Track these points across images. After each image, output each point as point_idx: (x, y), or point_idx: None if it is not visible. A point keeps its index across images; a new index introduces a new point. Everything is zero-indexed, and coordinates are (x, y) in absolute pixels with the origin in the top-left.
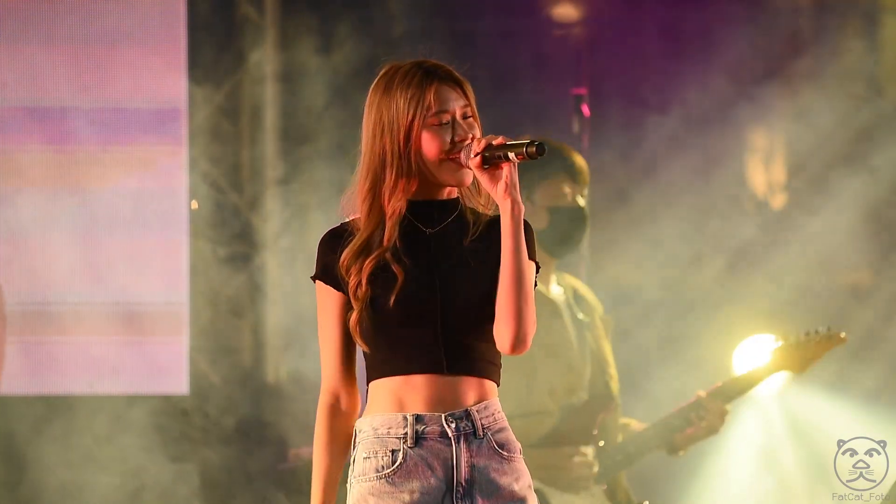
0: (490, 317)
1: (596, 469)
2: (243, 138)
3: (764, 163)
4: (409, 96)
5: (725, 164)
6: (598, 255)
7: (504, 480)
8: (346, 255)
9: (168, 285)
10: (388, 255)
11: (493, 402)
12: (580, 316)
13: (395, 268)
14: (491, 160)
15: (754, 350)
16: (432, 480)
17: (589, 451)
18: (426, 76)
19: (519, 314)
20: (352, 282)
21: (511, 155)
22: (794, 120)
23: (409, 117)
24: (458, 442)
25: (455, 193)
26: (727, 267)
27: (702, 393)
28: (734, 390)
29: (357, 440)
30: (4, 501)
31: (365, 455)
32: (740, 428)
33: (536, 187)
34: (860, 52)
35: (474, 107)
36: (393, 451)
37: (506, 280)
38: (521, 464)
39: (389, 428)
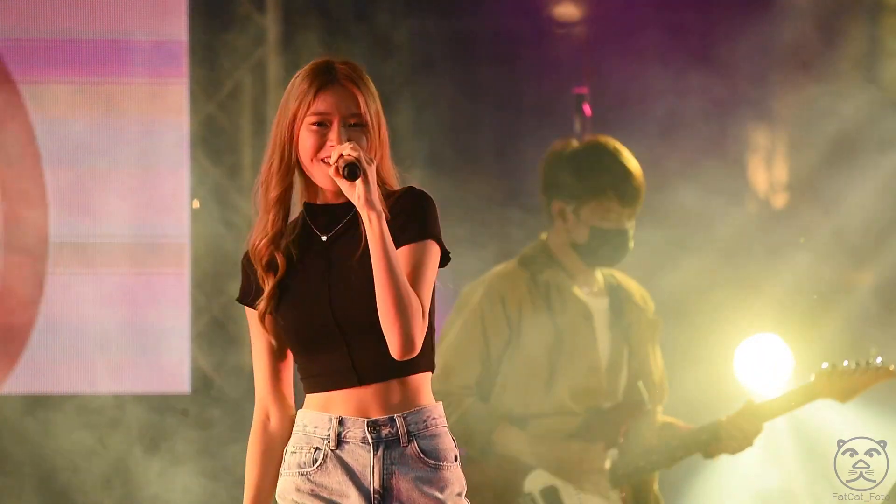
0: None
1: (607, 465)
2: (244, 137)
3: (765, 162)
4: (299, 92)
5: (727, 164)
6: None
7: (427, 489)
8: (251, 246)
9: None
10: (283, 254)
11: (426, 408)
12: (620, 318)
13: (291, 276)
14: (347, 176)
15: (756, 349)
16: (349, 485)
17: (609, 453)
18: (318, 76)
19: (398, 321)
20: (259, 275)
21: (342, 173)
22: (796, 119)
23: (293, 113)
24: (376, 449)
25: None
26: (728, 266)
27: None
28: (769, 411)
29: (293, 431)
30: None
31: (292, 450)
32: None
33: (584, 202)
34: (861, 52)
35: (371, 112)
36: (315, 450)
37: (379, 290)
38: (450, 472)
39: (316, 426)
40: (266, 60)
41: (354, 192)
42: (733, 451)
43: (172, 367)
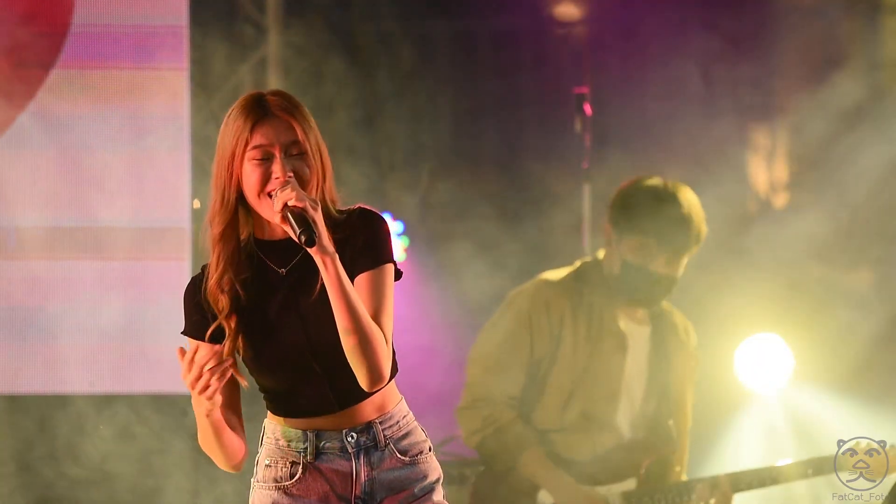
0: None
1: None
2: None
3: (766, 162)
4: (235, 129)
5: (728, 164)
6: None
7: (407, 485)
8: (206, 292)
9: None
10: (240, 292)
11: (396, 409)
12: (660, 351)
13: (255, 317)
14: (286, 220)
15: (757, 349)
16: (331, 495)
17: (627, 485)
18: (252, 110)
19: (364, 356)
20: (221, 313)
21: (291, 231)
22: (797, 119)
23: (231, 150)
24: (357, 457)
25: None
26: (730, 265)
27: (722, 476)
28: (753, 480)
29: (262, 439)
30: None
31: (267, 462)
32: (743, 428)
33: (625, 236)
34: (861, 52)
35: (310, 139)
36: (293, 464)
37: (342, 330)
38: (426, 463)
39: (290, 441)
40: (266, 60)
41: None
42: None
43: (175, 367)
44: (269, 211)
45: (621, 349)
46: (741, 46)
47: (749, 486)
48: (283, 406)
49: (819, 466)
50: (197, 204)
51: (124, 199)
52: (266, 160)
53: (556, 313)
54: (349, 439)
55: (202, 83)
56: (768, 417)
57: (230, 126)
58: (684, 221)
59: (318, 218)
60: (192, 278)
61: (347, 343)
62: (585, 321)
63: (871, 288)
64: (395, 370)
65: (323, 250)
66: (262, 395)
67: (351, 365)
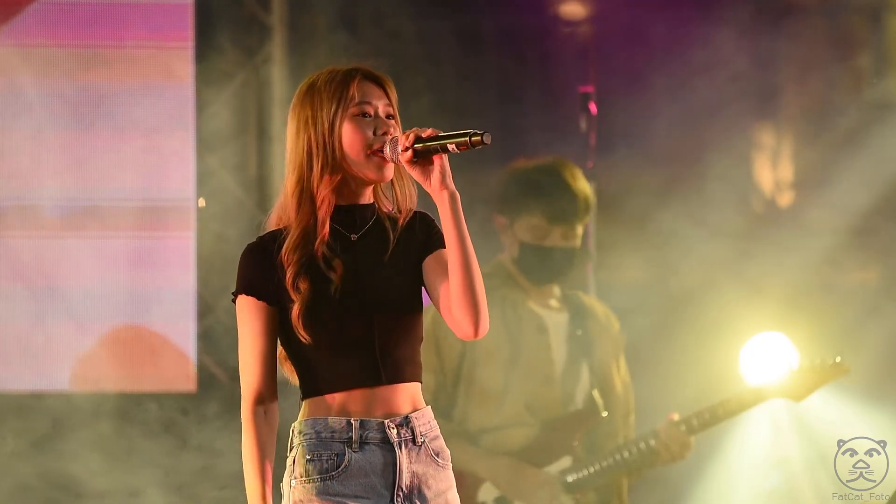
0: (416, 321)
1: (559, 472)
2: (250, 137)
3: (771, 161)
4: (332, 90)
5: (733, 163)
6: (605, 252)
7: (440, 487)
8: (284, 250)
9: (177, 284)
10: (321, 252)
11: (427, 410)
12: (579, 332)
13: (327, 273)
14: (423, 153)
15: (762, 348)
16: (376, 485)
17: (563, 463)
18: (349, 72)
19: (475, 301)
20: (289, 274)
21: (451, 146)
22: (801, 118)
23: (333, 109)
24: (400, 448)
25: (370, 197)
26: (734, 264)
27: (665, 427)
28: (703, 421)
29: (295, 442)
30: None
31: (308, 457)
32: (744, 428)
33: (516, 218)
34: (865, 51)
35: (396, 109)
36: (338, 455)
37: (456, 270)
38: (451, 472)
39: (333, 432)
40: (271, 59)
41: (428, 175)
42: (665, 463)
43: (178, 367)
44: (372, 167)
45: (542, 330)
46: (746, 45)
47: (704, 427)
48: (326, 377)
49: (760, 394)
50: (202, 202)
51: (129, 175)
52: (369, 118)
53: None
54: (391, 429)
55: (207, 81)
56: (772, 416)
57: (323, 88)
58: (568, 190)
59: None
60: (251, 244)
61: (465, 280)
62: (499, 314)
63: (877, 287)
64: (420, 377)
65: (449, 184)
66: (304, 378)
67: (458, 309)
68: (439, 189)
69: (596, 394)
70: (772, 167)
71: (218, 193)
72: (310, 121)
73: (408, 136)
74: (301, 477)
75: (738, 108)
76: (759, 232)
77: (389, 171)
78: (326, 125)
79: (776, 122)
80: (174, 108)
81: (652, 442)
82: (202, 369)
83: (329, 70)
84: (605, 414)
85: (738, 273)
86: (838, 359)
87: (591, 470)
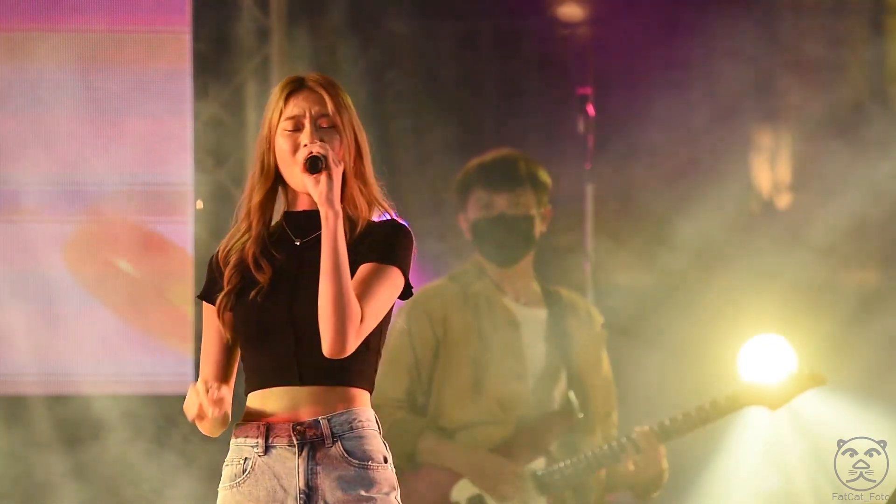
0: None
1: (534, 472)
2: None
3: (769, 162)
4: (272, 101)
5: (731, 164)
6: (603, 254)
7: (351, 488)
8: (222, 248)
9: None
10: (254, 254)
11: (355, 410)
12: (562, 331)
13: (257, 275)
14: (307, 168)
15: (760, 349)
16: (277, 489)
17: (537, 464)
18: (288, 84)
19: (333, 318)
20: (227, 268)
21: (304, 166)
22: (800, 120)
23: (269, 122)
24: (301, 450)
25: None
26: (733, 266)
27: (638, 429)
28: (677, 427)
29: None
30: None
31: (227, 462)
32: (743, 428)
33: (466, 202)
34: (865, 53)
35: (342, 116)
36: (245, 460)
37: (321, 285)
38: (378, 472)
39: (246, 436)
40: (270, 60)
41: (317, 188)
42: (646, 478)
43: (176, 371)
44: (296, 179)
45: (513, 325)
46: (744, 47)
47: (678, 433)
48: (250, 375)
49: (735, 401)
50: (200, 205)
51: (126, 159)
52: (297, 131)
53: (439, 315)
54: (296, 432)
55: (205, 84)
56: (772, 418)
57: (270, 101)
58: (503, 160)
59: (337, 173)
60: (217, 250)
61: (323, 299)
62: (473, 310)
63: (876, 288)
64: (370, 385)
65: (329, 202)
66: (245, 378)
67: (320, 325)
68: (320, 204)
69: (572, 395)
70: (770, 168)
71: (216, 196)
72: (261, 133)
73: (303, 152)
74: (221, 484)
75: (735, 110)
76: (757, 233)
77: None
78: (265, 139)
79: (774, 124)
80: (173, 108)
81: (623, 440)
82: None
83: (281, 83)
84: (581, 416)
85: (737, 275)
86: (805, 367)
87: (563, 465)
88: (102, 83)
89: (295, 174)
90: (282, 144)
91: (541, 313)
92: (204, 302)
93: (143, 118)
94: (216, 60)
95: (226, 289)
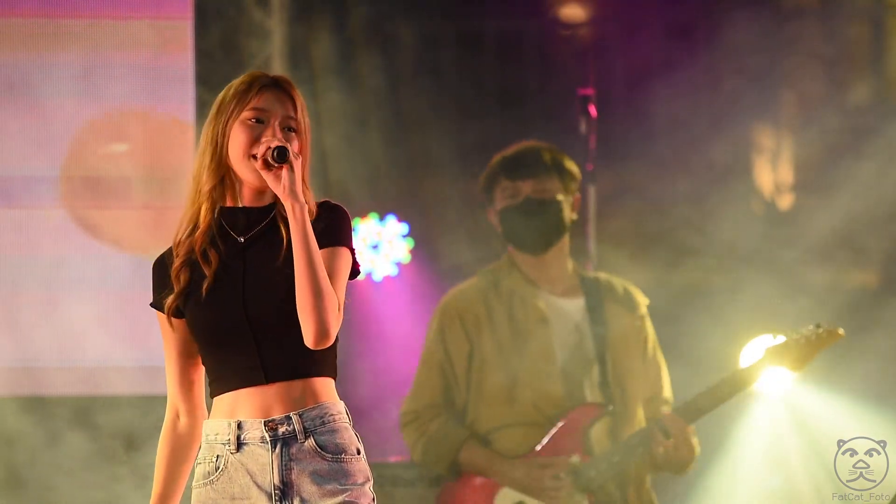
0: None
1: (569, 481)
2: None
3: (771, 163)
4: (238, 92)
5: (732, 165)
6: (604, 254)
7: (325, 482)
8: (174, 244)
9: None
10: (202, 248)
11: (326, 404)
12: (600, 320)
13: (205, 267)
14: (269, 164)
15: (762, 350)
16: (251, 485)
17: (574, 459)
18: (257, 79)
19: (315, 309)
20: (175, 265)
21: (269, 159)
22: (801, 120)
23: (230, 109)
24: (274, 447)
25: (269, 200)
26: (734, 267)
27: (666, 412)
28: (701, 405)
29: (201, 443)
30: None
31: (199, 461)
32: (744, 428)
33: (492, 195)
34: (866, 53)
35: (302, 122)
36: (217, 457)
37: (299, 278)
38: (352, 464)
39: (217, 434)
40: (272, 62)
41: (280, 183)
42: (679, 460)
43: None
44: (249, 172)
45: (543, 323)
46: (746, 47)
47: (700, 412)
48: (215, 379)
49: (753, 372)
50: None
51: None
52: (259, 123)
53: (471, 316)
54: (268, 429)
55: (206, 83)
56: (773, 418)
57: (232, 91)
58: (527, 150)
59: (297, 166)
60: (160, 255)
61: (304, 291)
62: (506, 308)
63: (877, 289)
64: (334, 371)
65: (294, 195)
66: (208, 380)
67: (301, 318)
68: (283, 197)
69: (609, 387)
70: (772, 169)
71: None
72: (213, 119)
73: (262, 148)
74: (195, 482)
75: (737, 111)
76: (758, 234)
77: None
78: (221, 126)
79: (776, 125)
80: (174, 107)
81: (652, 426)
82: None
83: (245, 75)
84: (610, 408)
85: (739, 275)
86: (823, 324)
87: (600, 461)
88: (102, 71)
89: (248, 167)
90: (240, 135)
91: (577, 303)
92: (158, 312)
93: (145, 121)
94: (216, 60)
95: (175, 289)
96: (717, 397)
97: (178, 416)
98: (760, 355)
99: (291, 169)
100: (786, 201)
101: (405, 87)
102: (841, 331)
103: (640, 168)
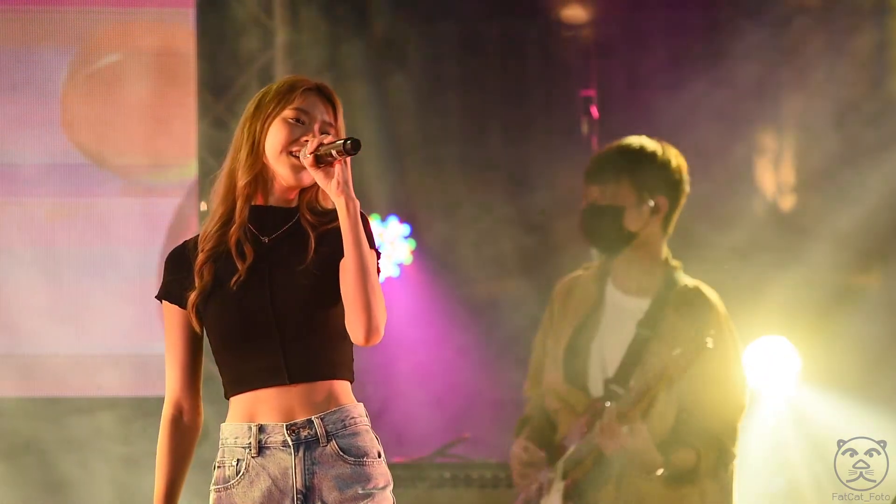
0: (327, 321)
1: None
2: None
3: (773, 164)
4: (280, 92)
5: (734, 166)
6: None
7: (348, 486)
8: (201, 237)
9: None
10: (238, 241)
11: (346, 407)
12: (659, 323)
13: (238, 262)
14: (322, 159)
15: (763, 351)
16: (273, 490)
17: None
18: (301, 82)
19: (367, 305)
20: (199, 259)
21: (334, 152)
22: (804, 121)
23: (272, 108)
24: (297, 451)
25: (295, 202)
26: (737, 268)
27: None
28: (632, 399)
29: (219, 446)
30: None
31: (218, 464)
32: (750, 429)
33: (587, 185)
34: (867, 53)
35: (339, 130)
36: (238, 461)
37: (350, 274)
38: (373, 468)
39: (237, 437)
40: (273, 63)
41: (329, 180)
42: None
43: None
44: (286, 169)
45: (594, 313)
46: (748, 49)
47: (630, 404)
48: (234, 379)
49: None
50: (204, 206)
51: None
52: (299, 124)
53: (557, 301)
54: (290, 433)
55: (208, 85)
56: (775, 419)
57: (273, 91)
58: (607, 152)
59: (348, 164)
60: (176, 247)
61: (357, 288)
62: (576, 296)
63: (879, 290)
64: (351, 375)
65: (349, 190)
66: (223, 380)
67: (352, 315)
68: (336, 194)
69: (607, 383)
70: (774, 170)
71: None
72: (251, 116)
73: (313, 142)
74: (213, 484)
75: (739, 112)
76: (760, 235)
77: (306, 176)
78: (260, 122)
79: (778, 125)
80: (177, 109)
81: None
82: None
83: (287, 77)
84: (608, 404)
85: (741, 276)
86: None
87: (584, 449)
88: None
89: (285, 164)
90: (279, 132)
91: (642, 302)
92: (165, 303)
93: (146, 96)
94: (219, 62)
95: (198, 284)
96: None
97: (180, 413)
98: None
99: (345, 163)
100: (788, 202)
101: (406, 87)
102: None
103: None
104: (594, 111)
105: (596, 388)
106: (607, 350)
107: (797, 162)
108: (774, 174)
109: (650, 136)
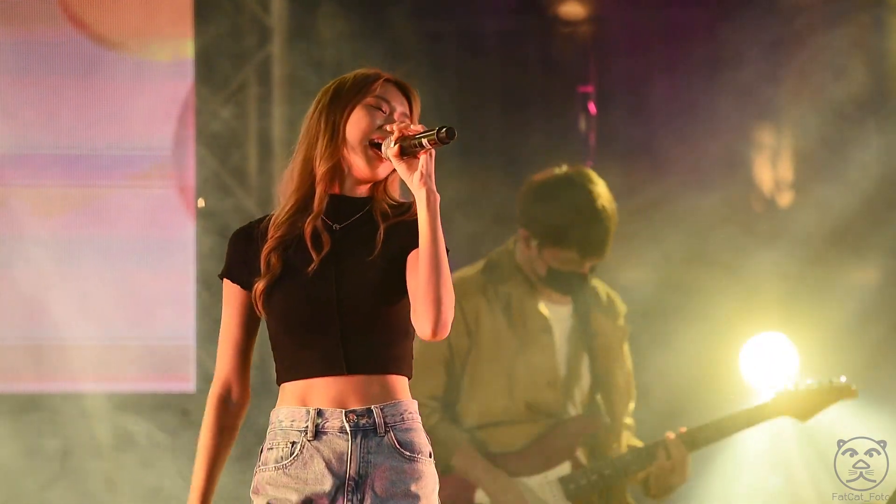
0: (389, 315)
1: (559, 493)
2: (249, 136)
3: (771, 161)
4: (360, 80)
5: (732, 162)
6: None
7: (400, 479)
8: (271, 224)
9: (176, 278)
10: (309, 232)
11: (403, 402)
12: (586, 328)
13: (306, 253)
14: (408, 150)
15: (761, 348)
16: (326, 473)
17: (562, 469)
18: (379, 73)
19: (438, 301)
20: (267, 246)
21: (424, 142)
22: (801, 118)
23: (352, 95)
24: (354, 438)
25: (366, 192)
26: (735, 264)
27: (670, 434)
28: (707, 436)
29: (267, 431)
30: None
31: (269, 446)
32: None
33: (546, 244)
34: (866, 51)
35: (415, 118)
36: (293, 443)
37: (424, 268)
38: (425, 466)
39: (293, 420)
40: (271, 60)
41: (412, 172)
42: (672, 483)
43: (178, 369)
44: (365, 159)
45: (546, 331)
46: (746, 45)
47: (704, 442)
48: (291, 365)
49: (765, 412)
50: (202, 203)
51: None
52: (380, 112)
53: (471, 309)
54: (349, 419)
55: (206, 81)
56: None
57: (352, 78)
58: (596, 219)
59: (433, 152)
60: (243, 227)
61: (431, 281)
62: (504, 310)
63: (876, 287)
64: (410, 371)
65: (432, 182)
66: (277, 365)
67: (422, 308)
68: (418, 186)
69: (599, 398)
70: (772, 167)
71: (217, 193)
72: (329, 104)
73: (397, 133)
74: (261, 465)
75: (737, 108)
76: (758, 231)
77: (382, 169)
78: (340, 109)
79: (776, 122)
80: (175, 110)
81: (654, 447)
82: (202, 368)
83: (364, 68)
84: (607, 420)
85: (738, 273)
86: (844, 379)
87: (591, 473)
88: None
89: (364, 153)
90: (363, 119)
91: (566, 309)
92: (227, 281)
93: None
94: (217, 59)
95: (263, 269)
96: (721, 431)
97: (228, 393)
98: (770, 398)
99: (431, 154)
100: (785, 198)
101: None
102: (854, 388)
103: (640, 165)
104: (592, 108)
105: (567, 402)
106: (563, 365)
107: (795, 159)
108: (771, 171)
109: (648, 132)
